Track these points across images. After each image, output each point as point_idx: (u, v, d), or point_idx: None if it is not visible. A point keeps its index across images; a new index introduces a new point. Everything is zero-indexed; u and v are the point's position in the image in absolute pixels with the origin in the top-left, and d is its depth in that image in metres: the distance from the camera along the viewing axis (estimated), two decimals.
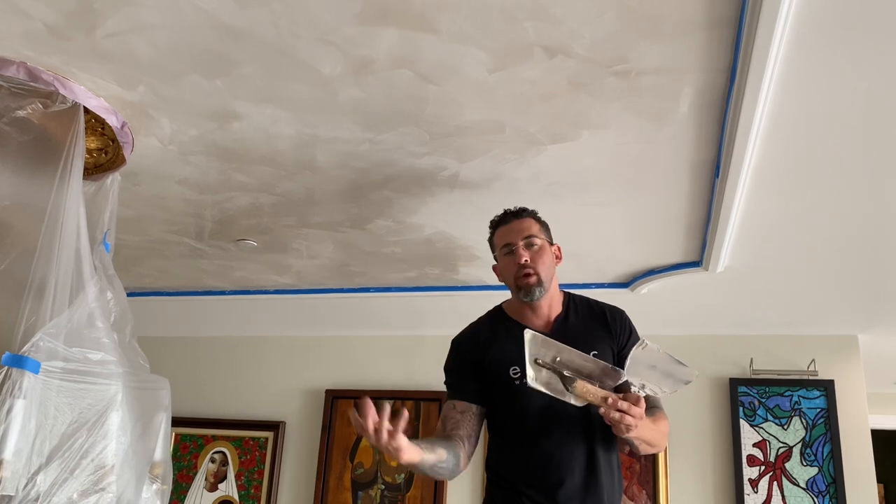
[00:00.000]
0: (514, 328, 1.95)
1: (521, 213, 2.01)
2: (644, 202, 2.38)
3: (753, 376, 3.56)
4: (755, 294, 3.10)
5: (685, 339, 3.66)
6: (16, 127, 1.75)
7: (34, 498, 1.47)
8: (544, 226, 2.04)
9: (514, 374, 1.90)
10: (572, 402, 1.70)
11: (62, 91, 1.80)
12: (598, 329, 1.98)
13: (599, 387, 1.69)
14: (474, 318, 3.60)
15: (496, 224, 2.05)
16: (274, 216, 2.68)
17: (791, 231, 2.48)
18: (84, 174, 2.08)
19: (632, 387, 1.70)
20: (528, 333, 1.74)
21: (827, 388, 3.46)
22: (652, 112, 1.85)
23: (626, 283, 3.13)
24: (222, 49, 1.68)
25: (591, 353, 1.82)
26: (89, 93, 1.85)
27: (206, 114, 1.97)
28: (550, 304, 1.98)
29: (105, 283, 1.80)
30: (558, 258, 2.04)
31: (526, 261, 1.91)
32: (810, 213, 2.35)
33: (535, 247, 1.94)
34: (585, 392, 1.67)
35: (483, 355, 1.96)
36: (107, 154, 2.09)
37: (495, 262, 2.07)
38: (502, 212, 2.05)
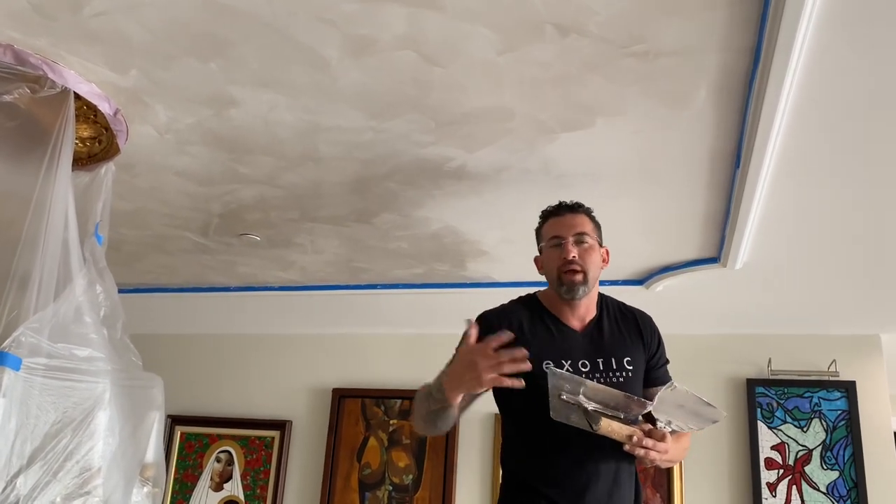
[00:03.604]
0: (551, 322, 1.89)
1: (576, 208, 1.92)
2: (660, 194, 2.29)
3: (772, 377, 3.46)
4: (774, 292, 3.00)
5: (701, 338, 3.56)
6: (2, 112, 1.69)
7: (14, 502, 1.39)
8: (597, 226, 1.95)
9: (547, 369, 1.79)
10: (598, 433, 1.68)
11: (51, 75, 1.73)
12: (630, 335, 1.93)
13: (625, 417, 1.67)
14: None
15: (548, 214, 1.95)
16: (277, 210, 2.61)
17: (814, 225, 2.38)
18: (77, 164, 2.02)
19: (658, 423, 1.70)
20: (551, 371, 1.68)
21: (848, 389, 3.36)
22: (670, 97, 1.75)
23: (640, 280, 3.04)
24: (215, 29, 1.60)
25: (625, 359, 1.83)
26: (80, 77, 1.78)
27: (201, 99, 1.89)
28: (588, 306, 1.91)
29: (95, 276, 1.73)
30: (605, 261, 1.96)
31: (574, 257, 1.83)
32: (834, 207, 2.25)
33: (586, 245, 1.86)
34: (610, 431, 1.66)
35: (515, 341, 1.79)
36: (100, 143, 2.01)
37: (538, 254, 1.97)
38: (557, 203, 1.95)
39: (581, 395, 1.64)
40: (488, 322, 1.88)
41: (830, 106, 1.73)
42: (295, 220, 2.70)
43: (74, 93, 1.79)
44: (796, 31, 1.42)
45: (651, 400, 1.73)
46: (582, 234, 1.87)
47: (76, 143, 1.94)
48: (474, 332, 1.67)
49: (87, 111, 1.88)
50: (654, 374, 1.94)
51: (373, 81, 1.76)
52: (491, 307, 1.97)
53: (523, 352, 1.60)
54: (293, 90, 1.82)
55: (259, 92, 1.84)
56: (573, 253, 1.83)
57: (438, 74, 1.72)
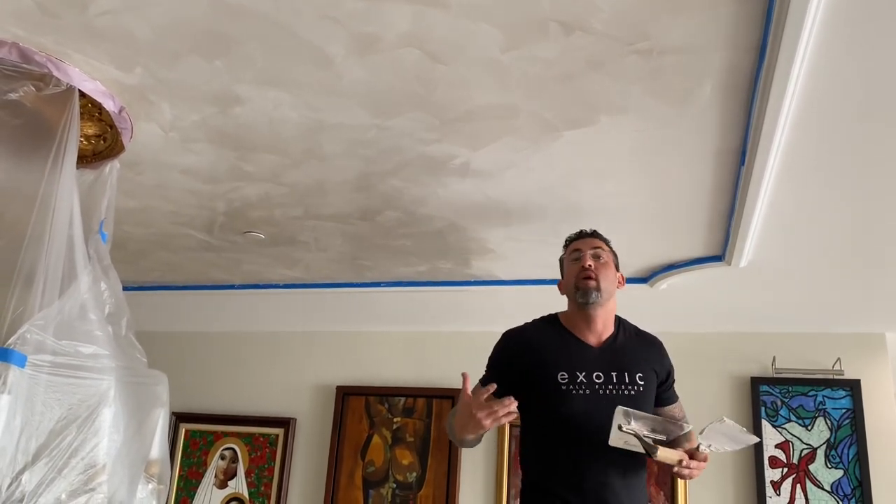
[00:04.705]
0: (568, 337, 2.07)
1: (596, 234, 2.15)
2: (664, 192, 2.28)
3: (776, 375, 3.45)
4: (779, 290, 2.99)
5: (705, 336, 3.55)
6: (7, 110, 1.68)
7: (19, 498, 1.39)
8: (614, 254, 2.16)
9: (563, 379, 1.99)
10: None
11: (56, 73, 1.73)
12: (644, 353, 2.11)
13: (667, 439, 1.91)
14: (487, 315, 3.53)
15: (570, 240, 2.17)
16: (281, 207, 2.61)
17: (818, 223, 2.37)
18: (82, 162, 2.02)
19: (700, 446, 1.92)
20: (618, 409, 1.86)
21: (853, 387, 3.35)
22: (674, 95, 1.75)
23: (645, 278, 3.03)
24: (220, 27, 1.60)
25: (637, 375, 2.02)
26: (84, 75, 1.78)
27: (206, 97, 1.89)
28: (605, 323, 2.08)
29: (100, 273, 1.73)
30: (620, 284, 2.15)
31: (590, 265, 2.04)
32: (839, 204, 2.24)
33: (602, 259, 2.07)
34: (665, 458, 1.88)
35: (532, 356, 2.04)
36: (105, 141, 2.01)
37: (561, 279, 2.18)
38: (578, 230, 2.18)
39: (633, 425, 1.85)
40: (509, 341, 2.13)
41: (836, 104, 1.72)
42: (299, 218, 2.70)
43: (79, 90, 1.79)
44: (802, 28, 1.42)
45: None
46: (599, 248, 2.09)
47: (81, 141, 1.95)
48: (467, 385, 1.88)
49: (91, 109, 1.88)
50: (665, 395, 2.14)
51: (377, 79, 1.76)
52: (515, 325, 2.18)
53: (511, 399, 1.80)
54: (298, 88, 1.82)
55: (264, 90, 1.84)
56: (589, 262, 2.04)
57: (443, 72, 1.72)
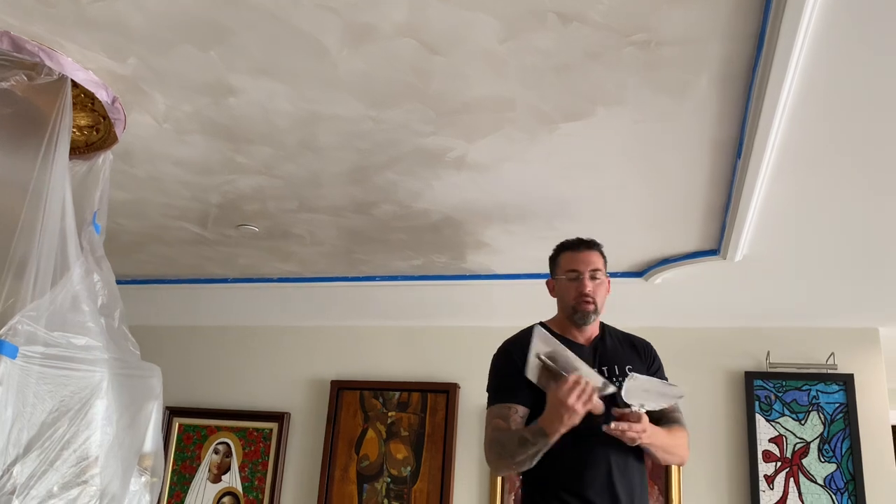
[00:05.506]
0: (561, 341, 2.10)
1: (592, 245, 2.17)
2: (660, 185, 2.28)
3: (770, 370, 3.45)
4: (773, 284, 2.99)
5: (700, 331, 3.55)
6: None
7: (10, 491, 1.38)
8: (605, 261, 2.20)
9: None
10: None
11: (48, 62, 1.71)
12: (630, 351, 2.19)
13: (602, 387, 1.86)
14: (482, 309, 3.52)
15: (566, 247, 2.19)
16: (275, 200, 2.59)
17: (814, 218, 2.37)
18: (75, 153, 2.00)
19: (633, 407, 1.90)
20: (537, 329, 1.89)
21: (846, 382, 3.35)
22: (671, 86, 1.74)
23: (640, 273, 3.03)
24: (215, 15, 1.58)
25: (627, 367, 2.08)
26: (77, 65, 1.76)
27: (200, 88, 1.88)
28: (593, 327, 2.18)
29: (92, 264, 1.71)
30: (608, 291, 2.20)
31: (589, 290, 2.10)
32: (835, 199, 2.24)
33: (598, 280, 2.13)
34: None
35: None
36: (98, 132, 2.00)
37: (551, 278, 2.22)
38: (575, 238, 2.20)
39: (552, 356, 1.86)
40: (512, 352, 2.12)
41: (833, 95, 1.71)
42: (293, 211, 2.68)
43: (72, 80, 1.77)
44: (800, 18, 1.41)
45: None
46: (596, 270, 2.12)
47: (74, 132, 1.93)
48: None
49: (84, 99, 1.86)
50: None
51: (373, 70, 1.75)
52: (509, 336, 2.19)
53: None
54: (293, 78, 1.81)
55: (258, 80, 1.82)
56: (589, 287, 2.10)
57: (439, 63, 1.70)
